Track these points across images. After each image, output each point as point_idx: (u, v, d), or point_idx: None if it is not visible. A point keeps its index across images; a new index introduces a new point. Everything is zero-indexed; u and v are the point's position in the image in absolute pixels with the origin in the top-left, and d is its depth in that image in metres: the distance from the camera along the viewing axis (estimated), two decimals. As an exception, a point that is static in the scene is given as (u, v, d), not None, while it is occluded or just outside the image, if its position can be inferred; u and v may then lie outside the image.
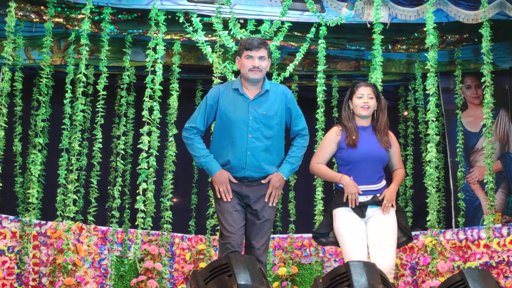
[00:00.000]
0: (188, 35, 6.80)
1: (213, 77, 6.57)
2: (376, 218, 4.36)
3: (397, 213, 4.43)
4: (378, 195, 4.39)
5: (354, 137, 4.38)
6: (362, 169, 4.39)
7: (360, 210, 4.35)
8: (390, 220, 4.37)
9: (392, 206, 4.43)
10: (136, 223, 6.53)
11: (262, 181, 4.21)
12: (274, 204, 4.25)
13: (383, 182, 4.46)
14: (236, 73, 6.18)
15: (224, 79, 6.51)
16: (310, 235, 6.98)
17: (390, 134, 4.54)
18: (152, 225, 6.59)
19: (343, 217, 4.35)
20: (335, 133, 4.48)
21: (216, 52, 6.63)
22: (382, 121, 4.47)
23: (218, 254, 4.36)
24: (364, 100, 4.43)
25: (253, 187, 4.24)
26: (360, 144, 4.38)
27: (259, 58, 4.24)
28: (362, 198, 4.36)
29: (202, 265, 6.64)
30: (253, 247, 4.22)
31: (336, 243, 4.48)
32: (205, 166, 4.26)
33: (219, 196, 4.21)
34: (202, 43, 6.61)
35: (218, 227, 6.74)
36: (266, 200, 4.22)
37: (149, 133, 6.50)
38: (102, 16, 6.65)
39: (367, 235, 4.36)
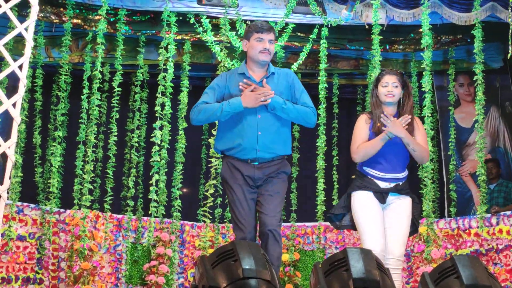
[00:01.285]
0: (198, 35, 6.82)
1: (221, 75, 6.58)
2: (395, 206, 4.21)
3: (413, 204, 4.29)
4: (400, 183, 4.23)
5: (379, 124, 4.21)
6: (387, 156, 4.22)
7: (382, 196, 4.20)
8: (407, 211, 4.22)
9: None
10: (149, 212, 6.56)
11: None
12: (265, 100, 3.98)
13: (406, 172, 4.31)
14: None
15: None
16: (313, 223, 7.02)
17: (416, 120, 4.37)
18: (164, 213, 6.61)
19: (362, 200, 4.20)
20: (364, 120, 4.32)
21: (222, 50, 6.64)
22: (407, 108, 4.29)
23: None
24: (388, 89, 4.26)
25: (265, 168, 4.09)
26: None
27: (269, 41, 4.21)
28: (385, 185, 4.20)
29: (210, 251, 6.66)
30: (269, 216, 4.01)
31: (351, 227, 4.35)
32: (229, 108, 4.03)
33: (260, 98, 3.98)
34: (211, 43, 6.61)
35: (225, 216, 6.79)
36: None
37: (161, 127, 6.53)
38: (117, 17, 6.68)
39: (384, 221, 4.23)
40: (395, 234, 4.18)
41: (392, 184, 4.23)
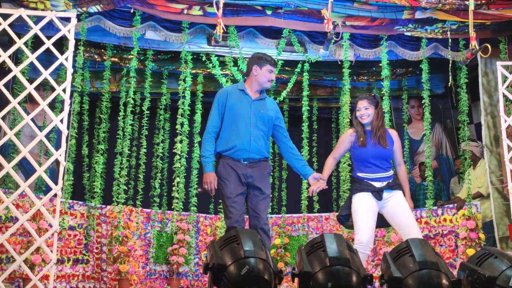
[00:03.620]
0: (209, 70, 6.83)
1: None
2: (393, 201, 4.06)
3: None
4: (390, 181, 4.10)
5: (362, 139, 4.13)
6: (372, 164, 4.11)
7: (378, 193, 4.06)
8: (404, 201, 4.07)
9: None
10: (172, 207, 6.54)
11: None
12: (316, 191, 4.11)
13: (392, 171, 4.19)
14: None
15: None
16: (298, 214, 7.00)
17: (393, 134, 4.24)
18: (183, 207, 6.58)
19: (360, 201, 4.06)
20: (349, 134, 4.23)
21: (228, 81, 6.66)
22: (375, 126, 4.15)
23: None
24: (361, 112, 4.16)
25: (255, 168, 4.03)
26: (368, 144, 4.12)
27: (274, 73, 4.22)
28: (379, 184, 4.07)
29: (219, 237, 6.64)
30: (261, 217, 3.99)
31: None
32: (203, 164, 4.02)
33: (206, 188, 3.97)
34: (219, 75, 6.62)
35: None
36: (309, 193, 4.12)
37: (180, 141, 6.52)
38: (146, 56, 6.69)
39: (389, 217, 4.08)
40: (406, 220, 4.02)
41: (385, 183, 4.10)
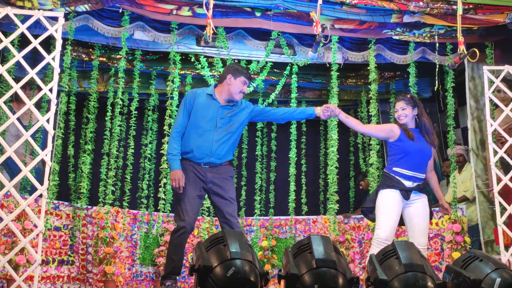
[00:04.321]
0: (197, 71, 6.79)
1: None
2: (418, 204, 4.12)
3: (428, 200, 4.26)
4: (420, 183, 4.15)
5: (410, 132, 4.19)
6: (414, 159, 4.16)
7: (406, 193, 4.09)
8: (427, 208, 4.15)
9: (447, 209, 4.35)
10: (158, 208, 6.50)
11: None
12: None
13: (425, 174, 4.26)
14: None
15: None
16: (286, 217, 6.99)
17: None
18: (170, 209, 6.55)
19: (387, 197, 4.09)
20: (397, 126, 4.29)
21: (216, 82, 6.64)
22: (424, 124, 4.27)
23: (171, 236, 4.11)
24: (398, 114, 4.28)
25: (215, 173, 4.04)
26: (416, 139, 4.19)
27: (248, 86, 4.21)
28: (409, 184, 4.11)
29: (205, 238, 6.61)
30: (231, 221, 4.00)
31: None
32: (170, 162, 4.04)
33: (174, 185, 3.97)
34: (208, 76, 6.60)
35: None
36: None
37: (168, 142, 6.48)
38: (134, 56, 6.65)
39: (408, 217, 4.12)
40: (419, 227, 4.09)
41: (415, 184, 4.14)
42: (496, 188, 4.73)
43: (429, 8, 5.43)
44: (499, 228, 4.61)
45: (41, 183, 4.01)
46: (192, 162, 4.06)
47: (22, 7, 5.04)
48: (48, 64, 4.21)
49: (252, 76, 4.29)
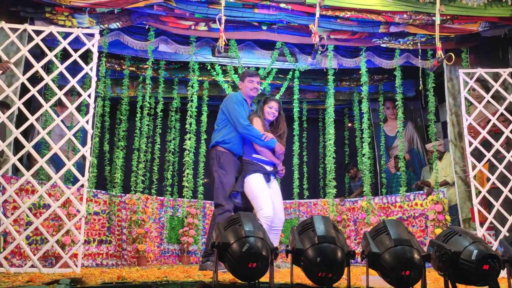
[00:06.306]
0: (213, 77, 6.81)
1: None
2: (273, 185, 4.05)
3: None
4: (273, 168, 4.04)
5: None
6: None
7: (268, 176, 3.99)
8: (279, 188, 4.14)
9: None
10: (182, 194, 6.53)
11: None
12: None
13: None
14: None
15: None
16: (291, 200, 7.00)
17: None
18: (192, 195, 6.58)
19: (260, 180, 3.93)
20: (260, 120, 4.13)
21: (229, 87, 6.66)
22: (281, 127, 4.17)
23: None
24: (272, 110, 4.09)
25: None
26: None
27: (256, 82, 4.21)
28: (269, 168, 4.00)
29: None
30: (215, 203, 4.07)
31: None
32: (269, 142, 3.94)
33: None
34: (222, 82, 6.61)
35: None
36: None
37: (189, 138, 6.51)
38: (159, 66, 6.68)
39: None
40: (279, 205, 3.99)
41: (272, 168, 4.03)
42: (472, 174, 4.73)
43: (412, 20, 5.40)
44: (475, 207, 4.61)
45: (82, 175, 4.04)
46: (233, 154, 4.08)
47: (63, 26, 5.09)
48: (86, 73, 4.25)
49: (260, 81, 4.26)
